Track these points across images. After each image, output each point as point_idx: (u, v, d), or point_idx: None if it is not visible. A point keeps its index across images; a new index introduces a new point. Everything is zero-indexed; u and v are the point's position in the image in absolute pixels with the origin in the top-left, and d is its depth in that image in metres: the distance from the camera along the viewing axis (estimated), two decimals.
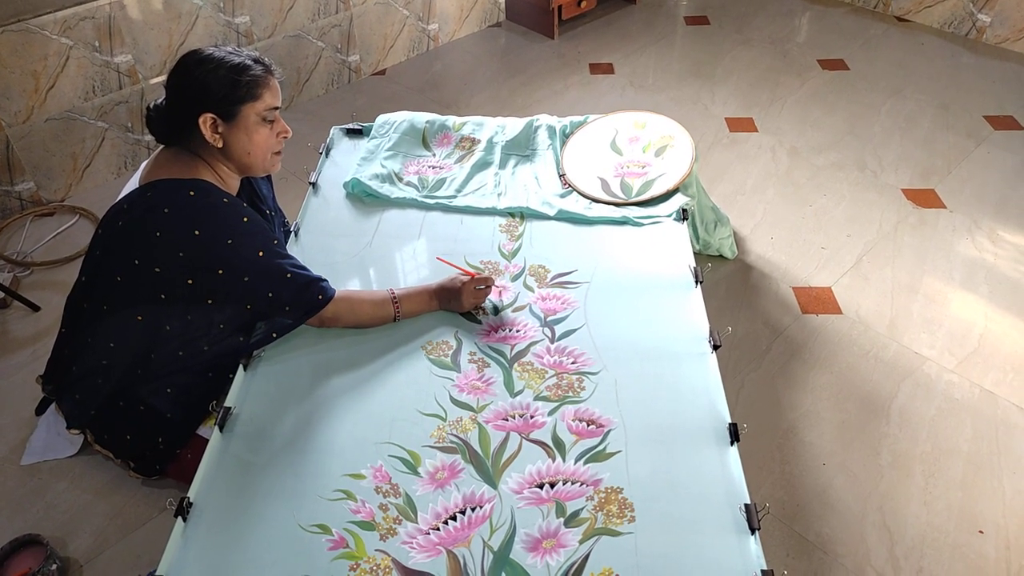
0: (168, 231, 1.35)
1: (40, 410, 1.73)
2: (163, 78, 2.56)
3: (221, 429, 1.30)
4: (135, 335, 1.45)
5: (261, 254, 1.39)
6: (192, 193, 1.37)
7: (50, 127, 2.36)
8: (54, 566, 1.46)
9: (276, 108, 1.43)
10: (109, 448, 1.58)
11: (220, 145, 1.40)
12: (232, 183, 1.49)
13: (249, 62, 1.38)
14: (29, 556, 1.48)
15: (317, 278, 1.44)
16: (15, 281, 2.17)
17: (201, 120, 1.36)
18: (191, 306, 1.42)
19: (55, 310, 1.55)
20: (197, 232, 1.34)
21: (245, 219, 1.40)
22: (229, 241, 1.36)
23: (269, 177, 1.75)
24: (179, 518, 1.16)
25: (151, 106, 1.44)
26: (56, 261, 2.25)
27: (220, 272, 1.37)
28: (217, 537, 1.15)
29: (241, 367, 1.41)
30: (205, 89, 1.35)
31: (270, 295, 1.40)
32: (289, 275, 1.41)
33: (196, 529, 1.16)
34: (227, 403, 1.35)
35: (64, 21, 2.24)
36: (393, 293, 1.50)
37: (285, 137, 1.48)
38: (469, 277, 1.52)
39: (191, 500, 1.19)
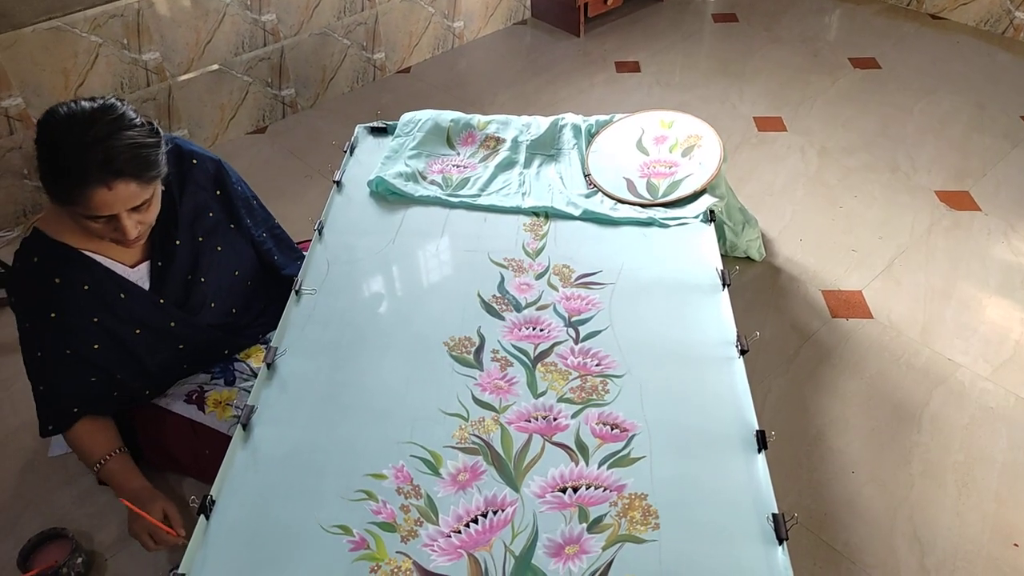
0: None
1: None
2: (191, 75, 2.58)
3: (244, 428, 1.30)
4: None
5: (39, 353, 1.42)
6: (35, 260, 1.36)
7: None
8: (79, 559, 1.47)
9: (110, 216, 1.24)
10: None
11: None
12: None
13: (84, 159, 1.16)
14: (55, 549, 1.49)
15: (48, 414, 1.48)
16: None
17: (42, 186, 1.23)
18: None
19: None
20: (13, 300, 1.40)
21: (53, 315, 1.37)
22: (27, 325, 1.40)
23: (223, 181, 1.58)
24: (202, 516, 1.16)
25: None
26: None
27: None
28: (239, 535, 1.15)
29: (264, 365, 1.41)
30: (39, 163, 1.20)
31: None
32: (38, 388, 1.46)
33: (218, 527, 1.16)
34: (249, 401, 1.34)
35: (94, 19, 2.26)
36: (110, 455, 1.49)
37: (122, 239, 1.29)
38: (150, 521, 1.37)
39: (214, 498, 1.19)
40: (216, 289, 1.57)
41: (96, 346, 1.42)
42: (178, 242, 1.49)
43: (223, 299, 1.60)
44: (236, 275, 1.62)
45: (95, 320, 1.41)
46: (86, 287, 1.38)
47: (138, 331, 1.46)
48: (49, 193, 1.22)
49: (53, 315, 1.36)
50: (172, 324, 1.50)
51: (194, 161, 1.51)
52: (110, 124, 1.20)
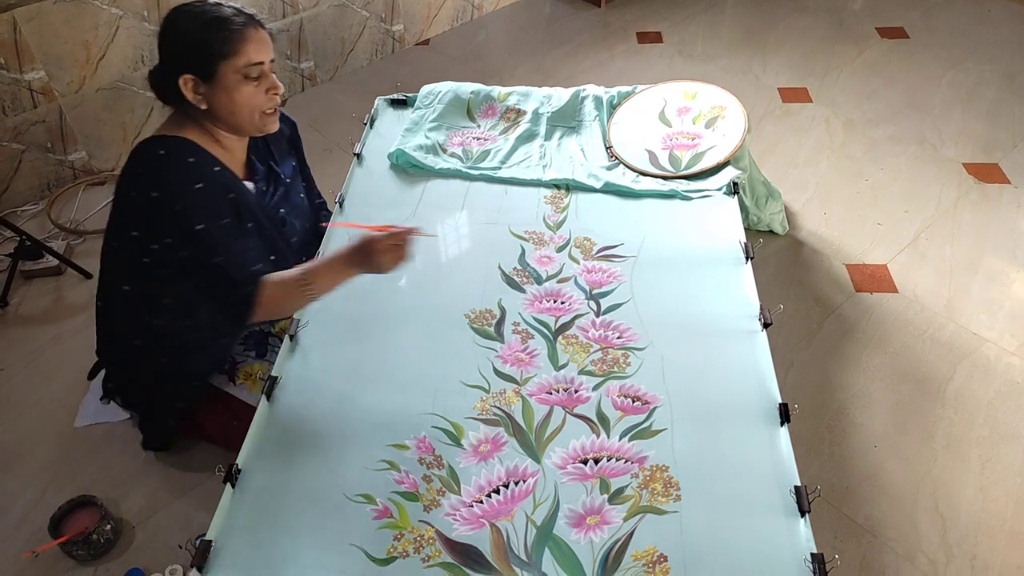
0: (138, 192, 1.30)
1: (92, 375, 1.77)
2: None
3: (268, 398, 1.31)
4: (139, 306, 1.44)
5: (200, 227, 1.28)
6: (162, 152, 1.31)
7: (101, 97, 2.39)
8: (108, 526, 1.50)
9: (260, 63, 1.32)
10: (131, 408, 1.64)
11: (204, 107, 1.32)
12: (233, 144, 1.42)
13: (228, 14, 1.29)
14: (85, 516, 1.52)
15: (252, 271, 1.32)
16: (69, 249, 2.22)
17: (181, 82, 1.29)
18: (158, 278, 1.38)
19: None
20: (154, 194, 1.27)
21: (199, 185, 1.30)
22: (178, 207, 1.27)
23: (299, 148, 1.67)
24: (228, 484, 1.18)
25: (151, 68, 1.37)
26: None
27: (168, 242, 1.30)
28: (264, 504, 1.17)
29: (287, 337, 1.42)
30: (181, 48, 1.28)
31: (201, 277, 1.32)
32: (219, 261, 1.29)
33: (244, 495, 1.17)
34: (273, 372, 1.36)
35: None
36: (303, 274, 1.32)
37: (276, 94, 1.37)
38: (381, 232, 1.30)
39: (240, 467, 1.20)
40: (296, 231, 1.59)
41: (225, 220, 1.35)
42: (277, 170, 1.57)
43: (297, 245, 1.60)
44: (306, 227, 1.64)
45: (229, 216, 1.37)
46: (221, 182, 1.37)
47: (250, 225, 1.42)
48: (206, 61, 1.28)
49: (198, 185, 1.30)
50: (283, 226, 1.52)
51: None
52: None
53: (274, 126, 1.41)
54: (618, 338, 1.41)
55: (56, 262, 2.11)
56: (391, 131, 1.98)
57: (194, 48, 1.27)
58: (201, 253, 1.30)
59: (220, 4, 1.31)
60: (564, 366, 1.37)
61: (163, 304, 1.42)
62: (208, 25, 1.27)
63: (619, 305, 1.48)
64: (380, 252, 1.29)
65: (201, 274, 1.32)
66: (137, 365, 1.55)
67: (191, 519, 1.55)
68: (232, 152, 1.43)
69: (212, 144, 1.38)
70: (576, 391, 1.32)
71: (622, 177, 1.80)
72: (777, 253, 2.13)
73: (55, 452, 1.69)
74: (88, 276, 2.12)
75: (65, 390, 1.82)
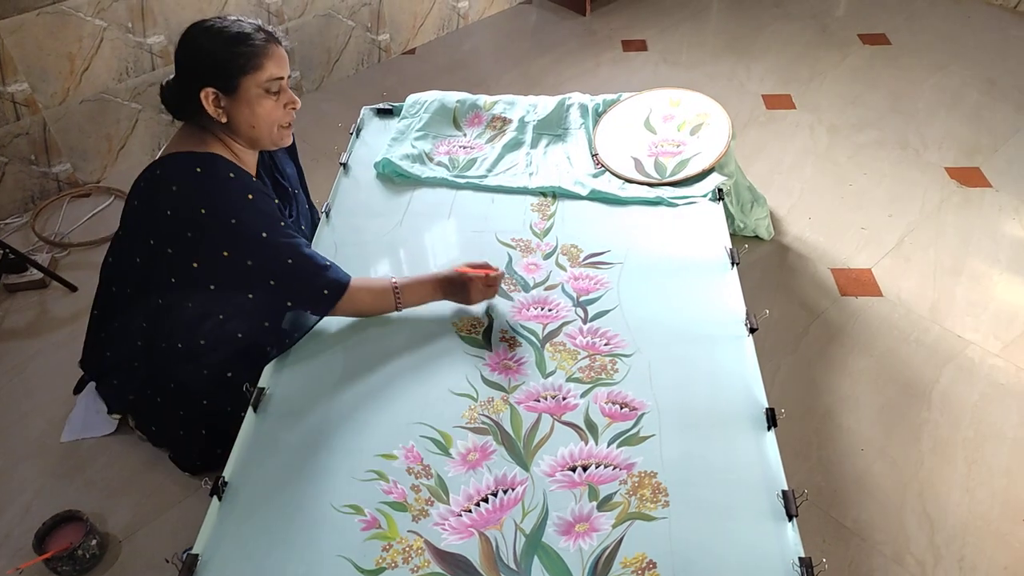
0: (176, 209, 1.31)
1: (78, 389, 1.76)
2: None
3: (255, 409, 1.31)
4: (159, 320, 1.44)
5: (265, 235, 1.32)
6: (199, 169, 1.32)
7: (85, 109, 2.38)
8: (94, 541, 1.49)
9: (280, 78, 1.35)
10: (148, 435, 1.61)
11: (224, 120, 1.35)
12: (247, 158, 1.44)
13: (250, 30, 1.32)
14: (70, 531, 1.50)
15: (324, 267, 1.38)
16: (53, 262, 2.20)
17: (203, 95, 1.31)
18: (197, 292, 1.37)
19: (92, 290, 1.57)
20: (203, 211, 1.30)
21: (250, 196, 1.33)
22: (233, 220, 1.30)
23: (295, 155, 1.72)
24: (215, 497, 1.17)
25: (164, 83, 1.39)
26: (92, 242, 2.28)
27: (225, 255, 1.32)
28: (252, 516, 1.16)
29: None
30: (204, 62, 1.30)
31: (272, 283, 1.34)
32: (291, 261, 1.34)
33: (231, 508, 1.17)
34: (260, 383, 1.35)
35: (98, 3, 2.25)
36: (395, 283, 1.43)
37: (294, 108, 1.41)
38: (482, 275, 1.44)
39: (226, 479, 1.20)
40: (308, 242, 1.59)
41: (283, 223, 1.40)
42: (285, 183, 1.61)
43: None
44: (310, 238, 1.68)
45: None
46: (265, 192, 1.42)
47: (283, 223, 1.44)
48: (229, 75, 1.30)
49: (250, 196, 1.35)
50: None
51: None
52: None
53: (289, 139, 1.46)
54: (605, 345, 1.42)
55: (40, 275, 2.10)
56: (377, 140, 1.98)
57: (218, 62, 1.30)
58: (270, 259, 1.34)
59: (240, 20, 1.34)
60: (552, 373, 1.37)
61: (216, 317, 1.41)
62: (232, 40, 1.30)
63: (606, 312, 1.48)
64: (475, 290, 1.45)
65: (272, 278, 1.35)
66: (152, 384, 1.54)
67: (178, 533, 1.54)
68: (248, 166, 1.45)
69: (233, 158, 1.40)
70: (564, 398, 1.33)
71: (608, 184, 1.80)
72: (763, 258, 2.14)
73: (40, 467, 1.68)
74: (73, 289, 2.10)
75: (50, 404, 1.80)
